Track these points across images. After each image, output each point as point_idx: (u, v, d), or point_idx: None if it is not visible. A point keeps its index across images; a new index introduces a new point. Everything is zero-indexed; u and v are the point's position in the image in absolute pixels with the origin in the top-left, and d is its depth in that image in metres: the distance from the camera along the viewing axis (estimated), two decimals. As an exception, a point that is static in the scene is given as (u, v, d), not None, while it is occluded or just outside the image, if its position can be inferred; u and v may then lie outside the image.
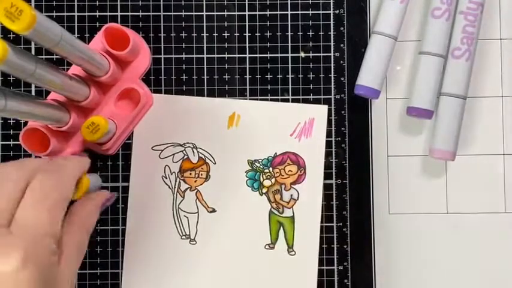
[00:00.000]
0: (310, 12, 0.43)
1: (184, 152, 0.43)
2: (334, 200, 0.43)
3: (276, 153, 0.43)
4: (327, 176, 0.43)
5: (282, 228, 0.43)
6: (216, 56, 0.43)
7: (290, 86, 0.43)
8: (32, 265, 0.27)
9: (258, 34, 0.43)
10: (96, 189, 0.41)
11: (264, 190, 0.43)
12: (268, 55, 0.43)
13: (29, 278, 0.27)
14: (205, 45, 0.43)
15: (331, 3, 0.43)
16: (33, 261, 0.27)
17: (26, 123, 0.42)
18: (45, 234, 0.29)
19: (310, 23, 0.43)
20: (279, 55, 0.43)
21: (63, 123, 0.38)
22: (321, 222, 0.43)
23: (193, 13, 0.43)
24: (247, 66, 0.43)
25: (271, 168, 0.43)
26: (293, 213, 0.43)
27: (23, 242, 0.27)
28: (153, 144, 0.43)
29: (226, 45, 0.43)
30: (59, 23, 0.32)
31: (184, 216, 0.43)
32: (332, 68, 0.43)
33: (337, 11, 0.43)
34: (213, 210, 0.43)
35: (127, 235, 0.43)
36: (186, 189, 0.43)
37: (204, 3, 0.43)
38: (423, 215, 0.44)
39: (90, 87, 0.39)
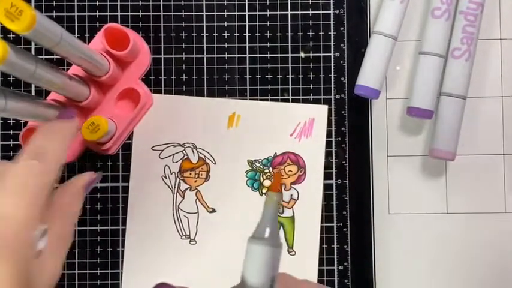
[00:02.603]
0: (310, 12, 0.43)
1: (184, 152, 0.43)
2: (334, 200, 0.43)
3: (276, 153, 0.43)
4: (327, 176, 0.43)
5: (282, 228, 0.43)
6: (216, 56, 0.43)
7: (290, 86, 0.43)
8: (8, 260, 0.25)
9: (258, 34, 0.43)
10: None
11: (264, 190, 0.43)
12: (268, 55, 0.43)
13: (5, 273, 0.25)
14: (205, 45, 0.43)
15: (331, 3, 0.43)
16: (9, 255, 0.25)
17: (26, 123, 0.42)
18: (23, 225, 0.26)
19: (310, 23, 0.43)
20: (279, 55, 0.43)
21: (63, 123, 0.38)
22: (321, 222, 0.43)
23: (193, 13, 0.43)
24: (247, 66, 0.43)
25: (271, 168, 0.43)
26: (293, 213, 0.43)
27: None
28: (153, 144, 0.43)
29: (226, 45, 0.43)
30: (59, 23, 0.32)
31: (184, 216, 0.43)
32: (332, 68, 0.43)
33: (337, 11, 0.43)
34: (213, 210, 0.43)
35: (127, 235, 0.43)
36: (186, 189, 0.43)
37: (204, 3, 0.43)
38: (423, 215, 0.44)
39: (90, 88, 0.39)
